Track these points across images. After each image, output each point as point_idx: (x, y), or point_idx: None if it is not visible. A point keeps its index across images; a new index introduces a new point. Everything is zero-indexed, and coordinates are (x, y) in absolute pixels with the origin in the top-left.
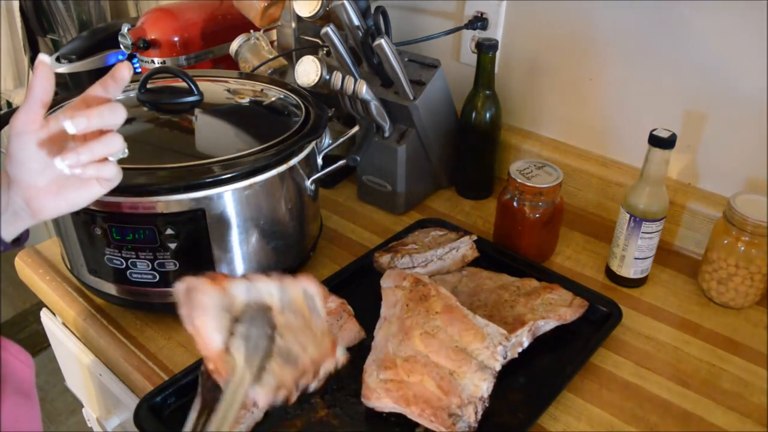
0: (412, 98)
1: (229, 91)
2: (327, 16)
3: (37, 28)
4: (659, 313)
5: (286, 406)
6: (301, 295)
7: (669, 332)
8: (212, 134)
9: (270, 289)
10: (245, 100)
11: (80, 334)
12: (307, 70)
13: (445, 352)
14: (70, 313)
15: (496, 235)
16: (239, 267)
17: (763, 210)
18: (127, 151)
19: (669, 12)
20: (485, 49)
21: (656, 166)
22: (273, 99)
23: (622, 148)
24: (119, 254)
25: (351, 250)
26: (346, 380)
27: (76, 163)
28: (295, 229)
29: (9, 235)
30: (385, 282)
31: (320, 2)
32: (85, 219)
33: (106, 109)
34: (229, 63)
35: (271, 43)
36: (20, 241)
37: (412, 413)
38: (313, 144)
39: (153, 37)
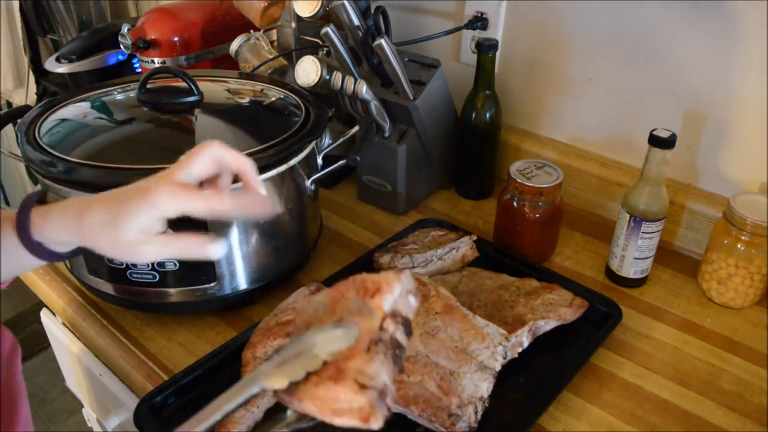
0: (412, 98)
1: (229, 91)
2: (327, 16)
3: (37, 28)
4: (659, 313)
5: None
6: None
7: (669, 332)
8: (212, 134)
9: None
10: (245, 100)
11: (80, 335)
12: (307, 70)
13: (445, 352)
14: (70, 313)
15: (496, 235)
16: (239, 267)
17: (763, 210)
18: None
19: (669, 12)
20: (485, 49)
21: (656, 166)
22: (273, 99)
23: (622, 148)
24: None
25: (351, 250)
26: None
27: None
28: (295, 229)
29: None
30: None
31: (320, 2)
32: None
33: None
34: (229, 63)
35: (271, 43)
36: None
37: (412, 413)
38: (313, 144)
39: (153, 37)
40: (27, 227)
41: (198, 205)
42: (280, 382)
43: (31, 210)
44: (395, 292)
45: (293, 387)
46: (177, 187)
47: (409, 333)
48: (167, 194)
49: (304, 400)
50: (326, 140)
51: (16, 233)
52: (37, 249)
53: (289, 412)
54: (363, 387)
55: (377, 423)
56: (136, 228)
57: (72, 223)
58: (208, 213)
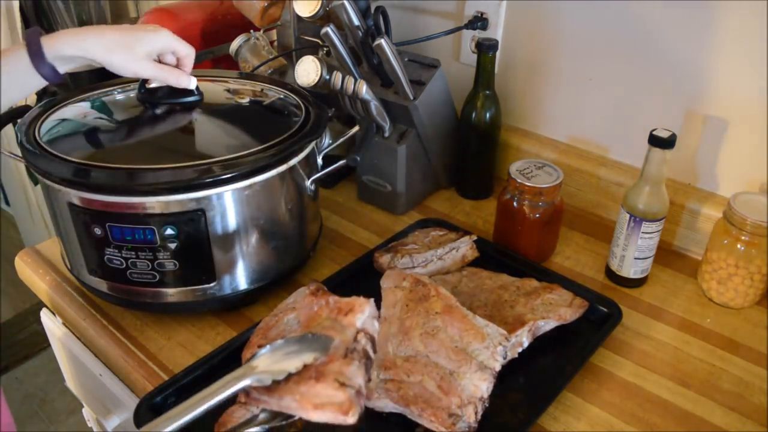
0: (412, 98)
1: (229, 91)
2: (327, 16)
3: None
4: (659, 313)
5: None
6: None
7: (669, 332)
8: (212, 134)
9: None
10: (245, 100)
11: (80, 334)
12: (307, 70)
13: (445, 352)
14: (70, 313)
15: (496, 235)
16: (239, 267)
17: (763, 210)
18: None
19: (669, 12)
20: (485, 49)
21: (656, 166)
22: (273, 99)
23: (622, 148)
24: (119, 254)
25: (351, 250)
26: None
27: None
28: (295, 229)
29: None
30: (385, 282)
31: (320, 2)
32: (85, 219)
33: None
34: (229, 63)
35: (271, 43)
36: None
37: (412, 413)
38: (313, 144)
39: None
40: (39, 48)
41: (180, 48)
42: (267, 379)
43: (39, 36)
44: (366, 312)
45: (274, 385)
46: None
47: (374, 350)
48: (168, 33)
49: (285, 397)
50: (326, 140)
51: (29, 54)
52: (46, 68)
53: (261, 415)
54: (342, 385)
55: (353, 417)
56: (145, 50)
57: (89, 39)
58: (184, 53)
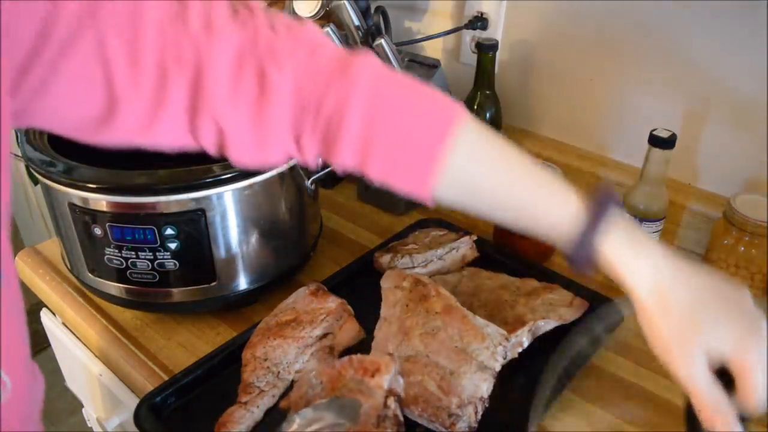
0: None
1: None
2: (327, 16)
3: None
4: None
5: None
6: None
7: None
8: None
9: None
10: None
11: (80, 335)
12: None
13: (445, 353)
14: (70, 313)
15: (496, 235)
16: (239, 267)
17: (763, 210)
18: None
19: (669, 12)
20: (485, 49)
21: (656, 166)
22: None
23: (622, 148)
24: (119, 254)
25: (351, 250)
26: None
27: None
28: (295, 229)
29: None
30: (385, 282)
31: (320, 2)
32: (85, 219)
33: None
34: None
35: None
36: None
37: (412, 413)
38: None
39: None
40: (590, 241)
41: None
42: None
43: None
44: (392, 372)
45: None
46: None
47: (403, 414)
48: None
49: None
50: None
51: (582, 231)
52: (582, 261)
53: (294, 426)
54: None
55: None
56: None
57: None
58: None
